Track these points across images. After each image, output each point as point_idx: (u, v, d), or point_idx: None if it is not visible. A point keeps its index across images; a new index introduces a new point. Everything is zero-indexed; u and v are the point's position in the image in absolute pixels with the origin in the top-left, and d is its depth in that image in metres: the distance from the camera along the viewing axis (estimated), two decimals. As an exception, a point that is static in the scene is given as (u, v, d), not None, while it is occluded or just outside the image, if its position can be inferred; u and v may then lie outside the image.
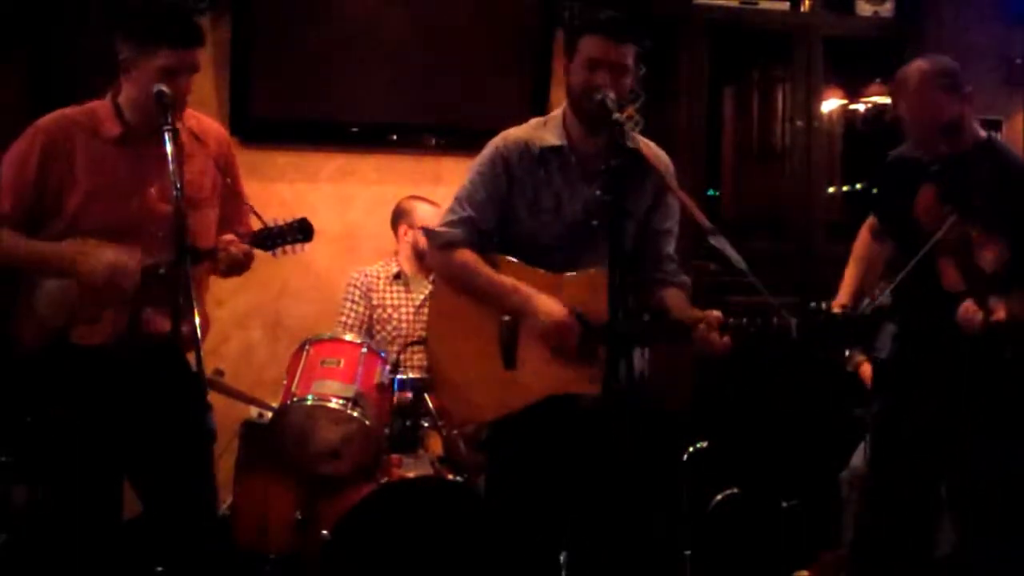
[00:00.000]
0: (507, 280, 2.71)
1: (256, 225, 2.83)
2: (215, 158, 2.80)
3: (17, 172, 2.74)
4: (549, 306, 2.64)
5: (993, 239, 2.61)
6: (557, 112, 2.81)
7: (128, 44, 2.68)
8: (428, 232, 2.89)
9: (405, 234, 4.17)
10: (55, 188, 2.73)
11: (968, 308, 2.55)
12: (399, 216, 4.22)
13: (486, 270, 2.73)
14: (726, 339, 2.50)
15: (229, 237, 2.78)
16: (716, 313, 2.53)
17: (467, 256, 2.74)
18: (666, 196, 2.80)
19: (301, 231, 2.78)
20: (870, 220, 3.18)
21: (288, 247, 2.79)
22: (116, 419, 2.74)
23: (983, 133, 2.84)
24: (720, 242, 2.37)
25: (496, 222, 2.76)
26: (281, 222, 2.78)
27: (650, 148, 2.78)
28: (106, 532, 2.80)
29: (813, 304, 2.46)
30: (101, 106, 2.80)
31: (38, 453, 2.90)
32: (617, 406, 2.37)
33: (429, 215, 4.14)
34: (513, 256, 2.76)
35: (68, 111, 2.80)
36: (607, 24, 2.64)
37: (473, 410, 2.84)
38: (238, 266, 2.80)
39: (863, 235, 3.19)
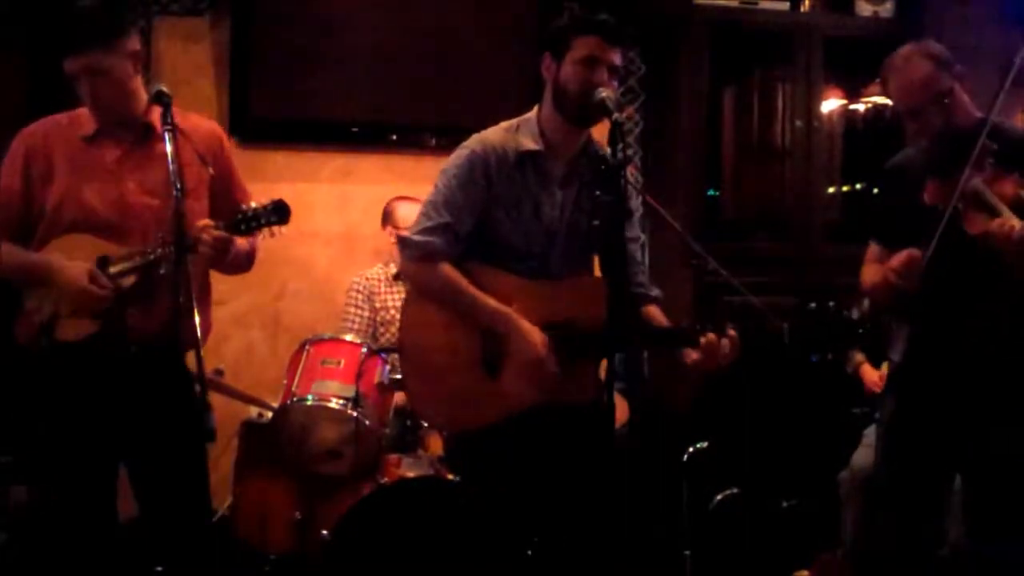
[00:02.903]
0: (490, 303, 2.63)
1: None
2: (199, 151, 2.75)
3: (4, 182, 2.77)
4: (529, 341, 2.59)
5: (1009, 174, 2.59)
6: (530, 115, 2.75)
7: None
8: (403, 241, 2.75)
9: (391, 235, 4.19)
10: (39, 190, 2.75)
11: (1002, 222, 2.52)
12: (384, 218, 4.26)
13: (470, 288, 2.64)
14: (726, 347, 2.47)
15: (203, 223, 2.69)
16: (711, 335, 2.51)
17: (448, 271, 2.65)
18: (629, 204, 2.76)
19: (276, 212, 2.67)
20: (871, 250, 3.11)
21: (266, 230, 2.69)
22: (105, 418, 2.74)
23: (979, 113, 2.83)
24: (706, 257, 2.44)
25: (473, 228, 2.68)
26: (256, 205, 2.69)
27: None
28: (100, 531, 2.80)
29: (812, 305, 2.45)
30: (83, 110, 2.81)
31: (30, 451, 2.90)
32: (606, 413, 2.36)
33: (410, 213, 4.15)
34: (489, 262, 2.69)
35: (53, 116, 2.83)
36: (604, 26, 2.63)
37: (455, 422, 2.78)
38: (220, 252, 2.69)
39: (869, 265, 3.12)
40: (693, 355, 2.53)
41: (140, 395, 2.74)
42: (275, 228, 2.69)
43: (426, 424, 3.59)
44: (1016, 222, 2.48)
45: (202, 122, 2.91)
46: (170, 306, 2.53)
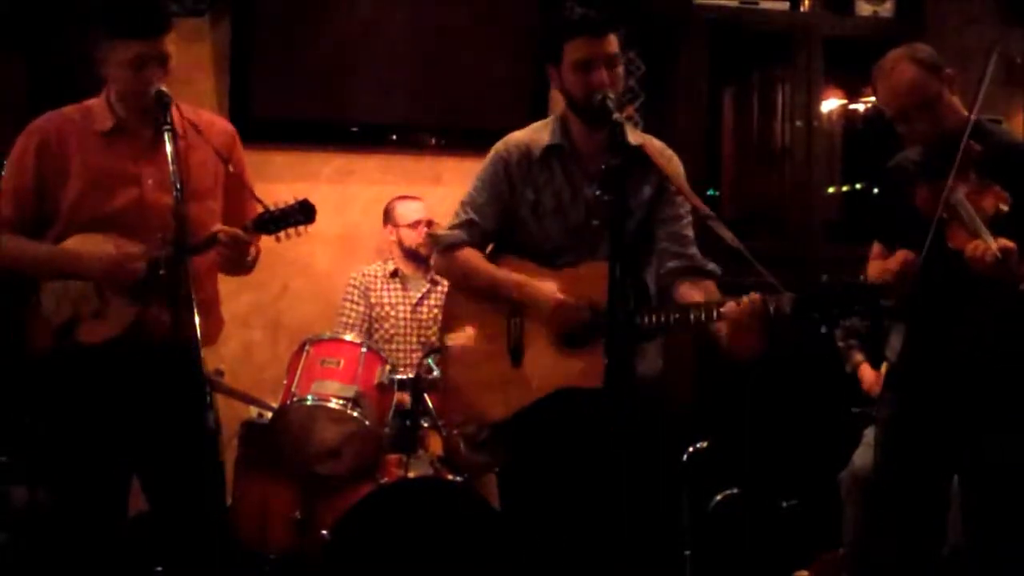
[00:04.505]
0: (505, 272, 2.75)
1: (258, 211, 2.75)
2: (216, 149, 2.77)
3: (15, 175, 2.74)
4: (549, 287, 2.67)
5: (991, 187, 2.60)
6: (556, 114, 2.82)
7: (99, 39, 2.67)
8: (431, 236, 2.95)
9: (391, 234, 4.26)
10: (53, 186, 2.73)
11: (976, 245, 2.52)
12: (385, 217, 4.31)
13: (486, 265, 2.77)
14: (747, 309, 2.39)
15: (217, 227, 2.72)
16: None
17: (467, 254, 2.78)
18: (671, 185, 2.78)
19: (303, 212, 2.69)
20: (875, 248, 3.11)
21: (291, 230, 2.70)
22: (123, 419, 2.74)
23: (972, 117, 2.82)
24: (718, 226, 2.41)
25: (497, 225, 2.79)
26: (283, 205, 2.70)
27: (653, 144, 2.78)
28: (108, 532, 2.80)
29: (824, 276, 2.43)
30: (96, 103, 2.79)
31: (42, 454, 2.89)
32: (618, 401, 2.35)
33: (408, 211, 4.22)
34: (515, 255, 2.78)
35: (64, 109, 2.80)
36: (587, 23, 2.64)
37: (481, 411, 2.82)
38: (241, 254, 2.73)
39: (874, 262, 3.12)
40: (724, 331, 2.48)
41: (155, 395, 2.74)
42: (300, 228, 2.69)
43: (444, 415, 3.58)
44: (992, 245, 2.47)
45: (216, 119, 2.93)
46: (181, 306, 2.53)
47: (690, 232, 2.79)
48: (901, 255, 2.67)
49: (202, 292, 2.80)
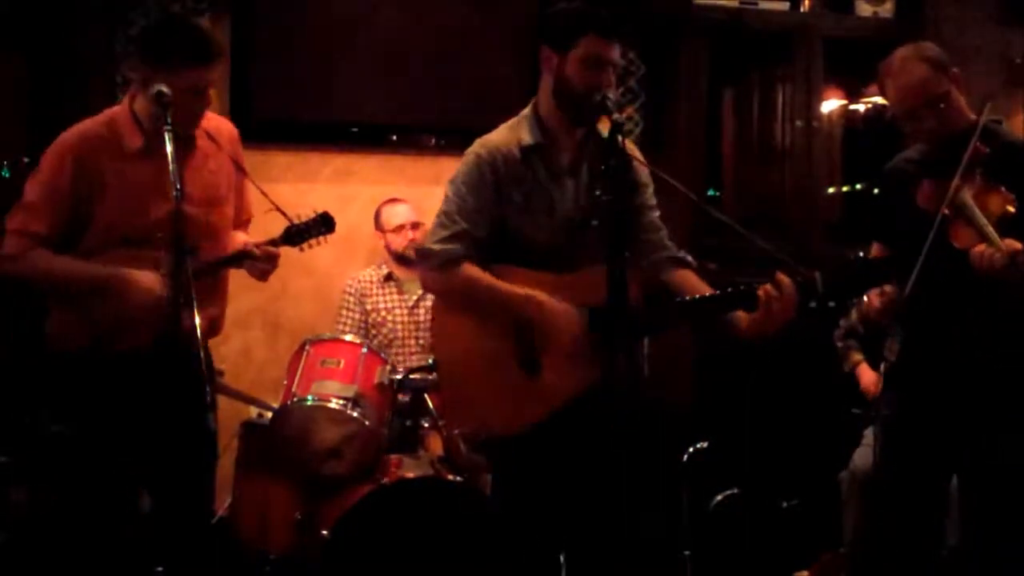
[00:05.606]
0: (517, 290, 2.63)
1: (267, 221, 2.93)
2: (229, 155, 2.87)
3: (50, 192, 2.77)
4: (562, 318, 2.59)
5: (997, 188, 2.60)
6: (526, 111, 2.76)
7: (147, 65, 2.70)
8: (422, 252, 2.76)
9: (380, 239, 4.28)
10: (87, 203, 2.76)
11: (984, 248, 2.51)
12: (375, 221, 4.32)
13: (491, 281, 2.65)
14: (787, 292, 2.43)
15: (251, 241, 2.91)
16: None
17: (469, 271, 2.65)
18: (639, 177, 2.77)
19: (324, 224, 3.01)
20: (874, 249, 3.12)
21: (313, 240, 3.01)
22: (139, 419, 2.76)
23: (975, 117, 2.83)
24: (718, 215, 2.49)
25: (488, 232, 2.68)
26: (305, 218, 2.98)
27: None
28: (108, 532, 2.80)
29: (853, 256, 2.46)
30: (120, 115, 2.82)
31: (50, 454, 2.92)
32: (616, 401, 2.34)
33: (391, 215, 4.23)
34: (510, 262, 2.69)
35: (90, 125, 2.82)
36: (605, 22, 2.62)
37: (498, 423, 2.71)
38: (274, 266, 2.96)
39: None
40: (746, 319, 2.50)
41: (163, 396, 2.75)
42: (322, 238, 3.02)
43: (444, 414, 3.57)
44: (1001, 248, 2.48)
45: (222, 121, 2.98)
46: (201, 310, 2.55)
47: (658, 216, 2.82)
48: (885, 298, 2.70)
49: (222, 285, 3.01)
